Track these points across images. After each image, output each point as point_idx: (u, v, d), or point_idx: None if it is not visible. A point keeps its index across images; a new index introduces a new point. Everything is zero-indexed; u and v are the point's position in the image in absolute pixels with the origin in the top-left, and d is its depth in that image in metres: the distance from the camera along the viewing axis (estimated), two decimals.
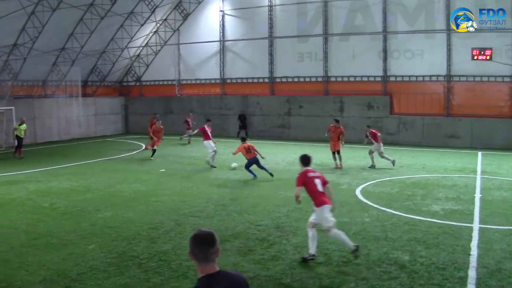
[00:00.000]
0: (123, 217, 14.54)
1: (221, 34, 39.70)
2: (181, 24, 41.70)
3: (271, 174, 20.60)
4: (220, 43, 39.78)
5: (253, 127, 38.38)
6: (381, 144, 23.60)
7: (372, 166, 23.22)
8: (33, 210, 15.84)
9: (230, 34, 39.57)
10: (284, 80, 37.93)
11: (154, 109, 40.59)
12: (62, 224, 13.97)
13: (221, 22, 39.73)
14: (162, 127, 27.87)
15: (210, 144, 24.15)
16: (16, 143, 28.94)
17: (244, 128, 37.62)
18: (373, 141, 23.76)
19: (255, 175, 20.68)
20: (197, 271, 4.17)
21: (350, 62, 34.96)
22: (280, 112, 37.45)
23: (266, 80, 38.57)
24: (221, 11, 39.62)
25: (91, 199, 17.25)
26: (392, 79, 33.87)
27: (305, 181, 10.56)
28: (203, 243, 4.16)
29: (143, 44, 42.80)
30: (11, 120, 32.31)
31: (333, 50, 35.73)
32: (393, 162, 23.22)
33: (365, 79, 34.72)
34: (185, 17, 41.39)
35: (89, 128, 41.46)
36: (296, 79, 37.39)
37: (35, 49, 33.89)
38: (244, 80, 39.68)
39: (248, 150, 20.90)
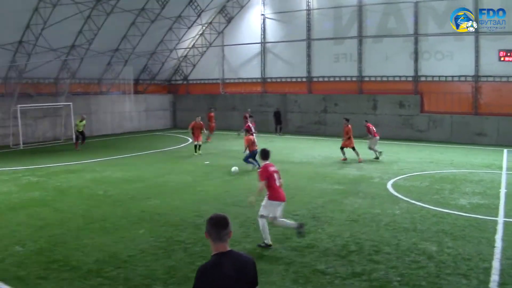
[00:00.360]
0: (170, 205, 14.71)
1: (262, 36, 39.65)
2: (225, 27, 41.83)
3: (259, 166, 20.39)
4: (261, 44, 39.73)
5: (292, 123, 38.25)
6: (377, 137, 24.28)
7: (377, 158, 23.76)
8: (89, 197, 16.19)
9: (270, 36, 39.51)
10: (320, 79, 37.68)
11: (200, 105, 40.99)
12: (114, 210, 14.25)
13: (262, 25, 39.67)
14: (202, 122, 27.61)
15: None
16: (75, 137, 29.60)
17: (279, 123, 37.53)
18: (369, 135, 24.22)
19: (257, 164, 20.35)
20: (211, 249, 4.48)
21: (383, 62, 34.49)
22: (317, 109, 37.21)
23: (304, 80, 38.40)
24: (262, 15, 39.57)
25: (141, 188, 17.51)
26: (423, 79, 33.31)
27: (267, 175, 10.62)
28: (218, 225, 4.48)
29: (190, 46, 43.06)
30: (70, 114, 32.93)
31: (367, 51, 35.34)
32: (380, 153, 23.80)
33: (397, 79, 34.22)
34: (229, 20, 41.50)
35: (140, 123, 41.98)
36: (332, 79, 37.09)
37: (91, 50, 34.46)
38: (283, 80, 39.57)
39: (253, 143, 20.91)
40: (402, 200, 15.09)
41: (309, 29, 37.39)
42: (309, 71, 37.96)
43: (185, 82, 45.32)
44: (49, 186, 17.99)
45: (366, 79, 35.51)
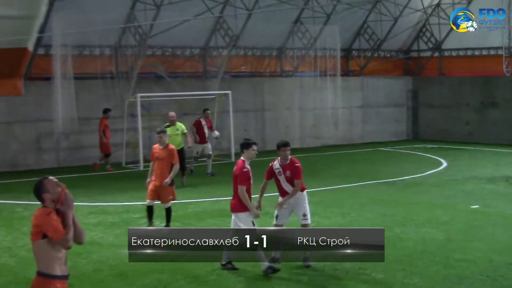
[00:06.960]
0: (404, 284, 14.27)
1: None
2: None
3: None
4: None
5: None
6: None
7: None
8: None
9: None
10: None
11: (463, 97, 40.32)
12: None
13: None
14: None
15: None
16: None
17: None
18: None
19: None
20: None
21: None
22: None
23: None
24: None
25: None
26: None
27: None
28: None
29: None
30: (228, 111, 33.93)
31: None
32: None
33: None
34: None
35: (350, 128, 42.19)
36: None
37: None
38: None
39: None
40: None
41: None
42: None
43: (436, 54, 45.04)
44: None
45: None
